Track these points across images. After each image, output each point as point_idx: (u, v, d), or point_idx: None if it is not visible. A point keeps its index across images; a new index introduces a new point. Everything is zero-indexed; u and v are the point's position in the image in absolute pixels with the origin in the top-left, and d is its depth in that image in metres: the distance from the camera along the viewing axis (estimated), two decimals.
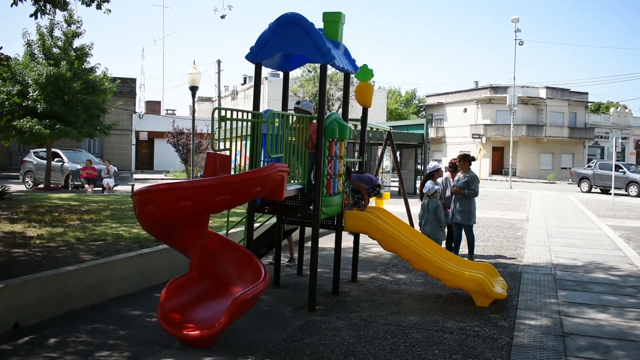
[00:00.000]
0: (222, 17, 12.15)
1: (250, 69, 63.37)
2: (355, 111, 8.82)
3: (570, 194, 28.81)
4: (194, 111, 21.14)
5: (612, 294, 7.84)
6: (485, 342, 5.77)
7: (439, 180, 9.85)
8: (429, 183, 9.50)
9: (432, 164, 10.01)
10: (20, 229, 9.58)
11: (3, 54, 9.39)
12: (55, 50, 22.60)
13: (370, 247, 10.81)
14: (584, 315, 6.78)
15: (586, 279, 8.73)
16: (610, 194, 25.45)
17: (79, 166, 23.59)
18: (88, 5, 9.99)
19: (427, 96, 62.74)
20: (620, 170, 29.25)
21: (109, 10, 10.13)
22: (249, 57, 6.88)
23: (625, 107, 61.25)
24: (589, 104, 57.59)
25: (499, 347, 5.64)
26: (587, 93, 55.42)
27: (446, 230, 10.12)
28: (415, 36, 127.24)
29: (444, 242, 9.55)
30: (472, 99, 53.90)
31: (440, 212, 9.23)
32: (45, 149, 23.67)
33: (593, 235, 13.66)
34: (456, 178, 9.95)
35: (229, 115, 6.26)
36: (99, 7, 9.91)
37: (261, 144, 6.65)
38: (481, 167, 46.42)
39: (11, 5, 9.29)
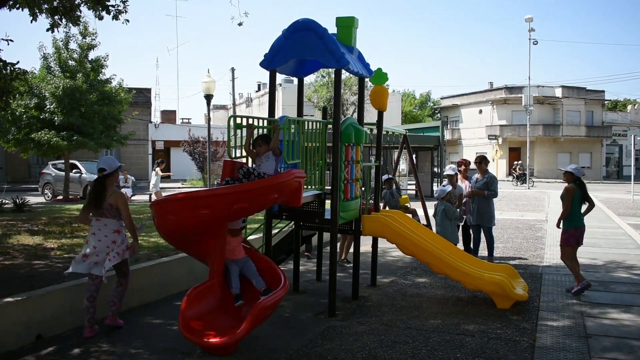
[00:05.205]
0: (240, 24, 12.19)
1: (264, 76, 63.68)
2: (369, 115, 8.81)
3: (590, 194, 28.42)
4: (209, 119, 21.27)
5: (635, 294, 7.74)
6: (508, 344, 5.72)
7: (459, 183, 9.76)
8: (440, 186, 9.42)
9: (448, 167, 9.95)
10: (40, 240, 9.68)
11: (20, 69, 9.48)
12: (71, 62, 22.85)
13: (390, 251, 10.78)
14: (607, 315, 6.70)
15: (608, 279, 8.63)
16: None
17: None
18: (100, 19, 10.02)
19: (441, 98, 62.47)
20: None
21: (127, 21, 10.16)
22: (263, 64, 6.91)
23: None
24: (605, 102, 57.00)
25: (521, 349, 5.59)
26: (603, 91, 54.87)
27: (460, 232, 10.04)
28: (429, 38, 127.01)
29: (459, 245, 9.48)
30: (487, 99, 53.59)
31: (450, 211, 9.12)
32: (63, 161, 23.92)
33: (614, 234, 13.49)
34: (474, 179, 9.89)
35: (244, 123, 6.29)
36: (115, 17, 9.93)
37: None
38: (498, 168, 46.19)
39: (31, 22, 9.47)
